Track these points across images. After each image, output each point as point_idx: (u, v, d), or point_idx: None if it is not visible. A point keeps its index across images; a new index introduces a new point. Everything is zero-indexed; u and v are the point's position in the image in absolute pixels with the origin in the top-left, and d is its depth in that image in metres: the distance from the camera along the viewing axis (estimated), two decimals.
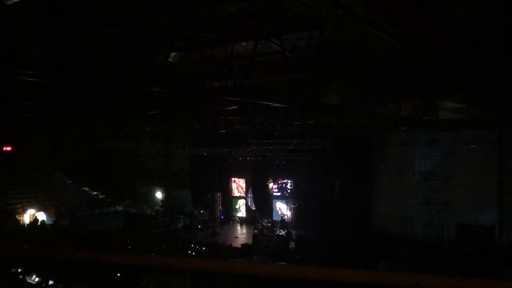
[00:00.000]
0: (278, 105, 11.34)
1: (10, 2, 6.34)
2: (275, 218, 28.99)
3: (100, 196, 33.99)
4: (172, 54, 10.44)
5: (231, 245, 22.23)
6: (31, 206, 28.65)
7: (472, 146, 21.43)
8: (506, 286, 1.69)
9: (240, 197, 31.98)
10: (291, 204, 28.83)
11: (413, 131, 21.74)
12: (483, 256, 19.39)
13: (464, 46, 7.58)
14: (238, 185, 32.24)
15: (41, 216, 28.42)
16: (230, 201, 32.12)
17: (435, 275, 1.74)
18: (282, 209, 29.39)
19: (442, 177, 22.41)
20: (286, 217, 28.83)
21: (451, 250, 21.07)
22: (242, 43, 10.60)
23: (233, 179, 32.32)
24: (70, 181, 34.16)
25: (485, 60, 8.58)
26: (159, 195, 32.53)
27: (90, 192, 34.31)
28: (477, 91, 11.66)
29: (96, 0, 7.87)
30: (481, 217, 21.24)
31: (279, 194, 29.80)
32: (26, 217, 28.07)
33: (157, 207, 31.70)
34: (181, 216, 30.63)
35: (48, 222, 27.76)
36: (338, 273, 1.84)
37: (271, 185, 29.78)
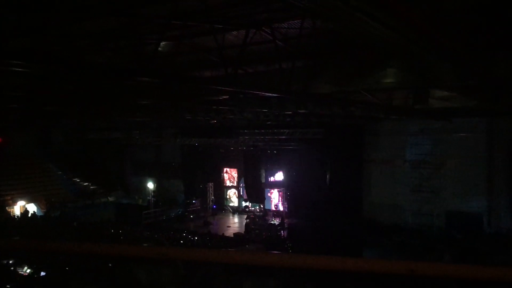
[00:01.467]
0: (270, 94, 11.31)
1: None
2: (267, 207, 29.15)
3: (91, 187, 33.84)
4: (162, 43, 10.33)
5: (223, 234, 22.30)
6: (22, 198, 28.46)
7: (462, 135, 21.56)
8: (496, 272, 1.70)
9: (232, 187, 32.05)
10: (283, 193, 28.97)
11: (404, 120, 21.80)
12: (472, 243, 19.64)
13: (455, 35, 7.60)
14: (230, 175, 32.29)
15: (32, 207, 28.27)
16: (222, 190, 32.18)
17: (428, 262, 1.74)
18: (274, 198, 29.54)
19: (432, 165, 22.55)
20: (276, 206, 28.99)
21: (441, 238, 21.31)
22: (233, 32, 10.52)
23: (225, 169, 32.35)
24: (60, 172, 33.90)
25: (476, 49, 8.61)
26: (150, 185, 32.46)
27: (81, 183, 34.12)
28: (468, 80, 11.70)
29: None
30: (470, 205, 21.47)
31: (271, 183, 29.91)
32: (17, 209, 27.90)
33: (149, 198, 31.65)
34: (173, 206, 30.65)
35: (39, 213, 27.65)
36: (330, 261, 1.85)
37: (263, 174, 29.85)
